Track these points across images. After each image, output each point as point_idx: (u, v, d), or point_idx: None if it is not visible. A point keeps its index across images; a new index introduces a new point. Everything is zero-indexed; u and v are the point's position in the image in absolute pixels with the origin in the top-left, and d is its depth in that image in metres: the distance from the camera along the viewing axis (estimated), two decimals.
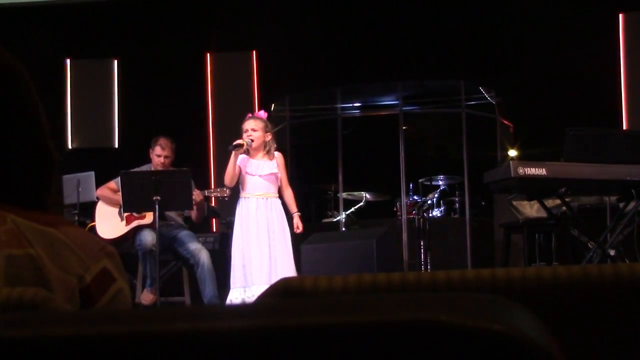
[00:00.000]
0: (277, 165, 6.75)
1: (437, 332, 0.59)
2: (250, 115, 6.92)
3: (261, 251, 6.55)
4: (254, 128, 6.70)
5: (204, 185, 7.36)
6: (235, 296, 6.58)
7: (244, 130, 6.72)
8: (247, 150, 6.67)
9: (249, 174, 6.69)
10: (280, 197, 6.82)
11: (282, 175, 6.80)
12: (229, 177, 6.67)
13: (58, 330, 0.62)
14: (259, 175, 6.69)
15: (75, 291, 1.24)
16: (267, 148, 6.76)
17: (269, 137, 6.78)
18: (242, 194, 6.74)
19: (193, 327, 0.60)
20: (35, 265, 1.20)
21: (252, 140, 6.66)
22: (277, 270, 6.54)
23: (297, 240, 7.28)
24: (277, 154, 6.83)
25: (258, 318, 0.62)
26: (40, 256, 1.21)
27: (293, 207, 6.88)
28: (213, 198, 9.56)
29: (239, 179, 6.72)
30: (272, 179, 6.73)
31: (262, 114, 7.00)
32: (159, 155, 7.37)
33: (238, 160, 6.66)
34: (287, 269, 6.57)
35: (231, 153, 6.64)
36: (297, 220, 6.87)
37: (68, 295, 1.23)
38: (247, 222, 6.63)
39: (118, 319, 0.64)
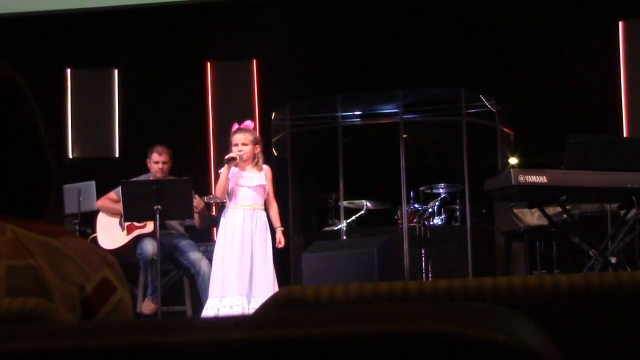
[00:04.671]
0: (265, 178, 6.79)
1: (439, 342, 0.59)
2: (237, 127, 6.92)
3: (243, 262, 6.57)
4: (244, 142, 6.74)
5: (204, 193, 7.35)
6: (211, 305, 6.59)
7: (234, 143, 6.75)
8: (237, 163, 6.71)
9: (239, 186, 6.74)
10: (266, 209, 6.84)
11: (270, 188, 6.84)
12: (220, 190, 6.73)
13: (59, 343, 0.62)
14: (248, 187, 6.74)
15: (76, 301, 1.24)
16: (256, 160, 6.80)
17: (257, 149, 6.82)
18: (230, 204, 6.77)
19: (194, 339, 0.60)
20: (36, 276, 1.20)
21: (244, 154, 6.69)
22: (254, 282, 6.55)
23: (299, 250, 7.29)
24: (265, 167, 6.87)
25: (259, 329, 0.62)
26: (41, 266, 1.21)
27: (277, 222, 6.91)
28: (214, 206, 9.56)
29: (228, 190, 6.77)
30: (260, 191, 6.77)
31: (250, 124, 7.03)
32: (157, 161, 7.37)
33: (229, 173, 6.71)
34: (264, 282, 6.57)
35: (223, 166, 6.69)
36: (279, 235, 6.89)
37: (69, 305, 1.22)
38: (233, 232, 6.66)
39: (119, 330, 0.64)
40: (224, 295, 6.52)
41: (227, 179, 6.69)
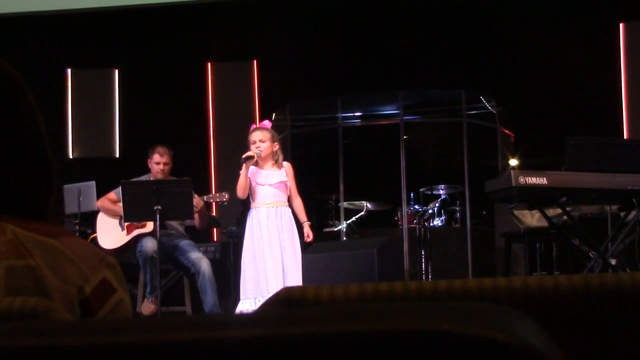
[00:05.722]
0: (286, 174, 6.79)
1: (440, 341, 0.59)
2: (255, 126, 6.97)
3: (275, 260, 6.57)
4: (261, 139, 6.74)
5: (204, 193, 7.35)
6: (246, 307, 6.58)
7: (252, 141, 6.76)
8: (256, 161, 6.71)
9: (259, 184, 6.73)
10: (290, 206, 6.84)
11: (292, 184, 6.83)
12: (241, 189, 6.70)
13: (60, 340, 0.62)
14: (269, 185, 6.73)
15: (75, 302, 1.24)
16: (275, 157, 6.80)
17: (276, 146, 6.83)
18: (253, 205, 6.77)
19: (195, 337, 0.60)
20: (35, 276, 1.20)
21: (261, 152, 6.70)
22: (287, 279, 6.55)
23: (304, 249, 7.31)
24: (285, 163, 6.88)
25: (260, 327, 0.61)
26: (40, 267, 1.21)
27: (303, 216, 6.91)
28: (214, 206, 9.56)
29: (249, 190, 6.76)
30: (281, 188, 6.76)
31: (267, 123, 7.05)
32: (158, 162, 7.36)
33: (248, 172, 6.70)
34: (296, 278, 6.58)
35: (242, 166, 6.68)
36: (307, 229, 6.89)
37: (68, 306, 1.22)
38: (259, 232, 6.65)
39: (120, 328, 0.64)
40: (262, 295, 6.49)
41: (247, 177, 6.69)
